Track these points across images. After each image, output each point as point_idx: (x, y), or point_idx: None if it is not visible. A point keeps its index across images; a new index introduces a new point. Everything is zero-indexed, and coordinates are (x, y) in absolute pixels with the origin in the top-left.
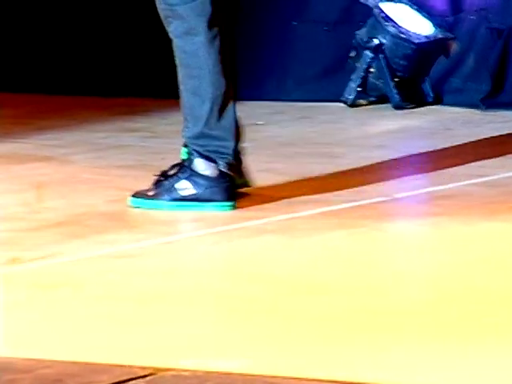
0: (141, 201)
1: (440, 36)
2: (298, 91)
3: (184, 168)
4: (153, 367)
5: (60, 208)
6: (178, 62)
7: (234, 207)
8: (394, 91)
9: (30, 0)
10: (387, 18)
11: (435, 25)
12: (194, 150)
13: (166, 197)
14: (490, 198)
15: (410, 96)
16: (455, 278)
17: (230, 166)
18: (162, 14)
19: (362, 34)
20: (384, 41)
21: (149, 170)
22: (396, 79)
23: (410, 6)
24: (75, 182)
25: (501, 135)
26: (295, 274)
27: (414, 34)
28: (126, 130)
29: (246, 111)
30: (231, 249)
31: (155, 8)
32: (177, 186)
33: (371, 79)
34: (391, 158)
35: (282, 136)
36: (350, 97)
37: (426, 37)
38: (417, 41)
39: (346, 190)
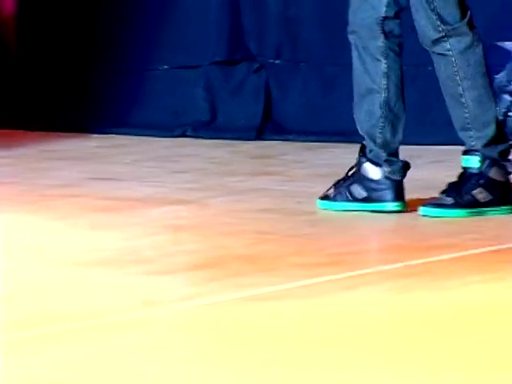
0: (436, 210)
1: None
2: (434, 135)
3: (477, 175)
4: None
5: (196, 251)
6: (460, 75)
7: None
8: None
9: None
10: None
11: None
12: (488, 157)
13: (464, 204)
14: None
15: None
16: None
17: None
18: (434, 37)
19: (501, 77)
20: None
21: (284, 213)
22: None
23: None
24: (212, 225)
25: None
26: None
27: None
28: (260, 174)
29: None
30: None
31: None
32: (474, 193)
33: (511, 123)
34: None
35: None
36: None
37: None
38: None
39: (485, 235)
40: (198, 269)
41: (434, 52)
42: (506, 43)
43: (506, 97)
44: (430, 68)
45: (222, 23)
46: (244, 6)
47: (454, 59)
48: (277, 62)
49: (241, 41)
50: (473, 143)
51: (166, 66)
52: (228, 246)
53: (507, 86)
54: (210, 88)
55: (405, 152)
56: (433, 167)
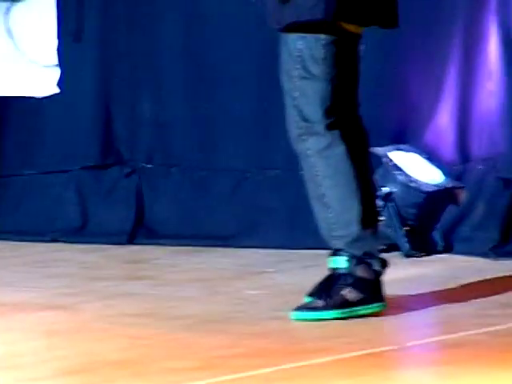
0: (308, 314)
1: (449, 185)
2: (307, 239)
3: (344, 275)
4: None
5: (69, 357)
6: (320, 175)
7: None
8: (404, 240)
9: None
10: (396, 167)
11: (444, 174)
12: (352, 255)
13: (336, 305)
14: (499, 347)
15: (420, 244)
16: None
17: (381, 265)
18: (295, 133)
19: None
20: (394, 189)
21: (157, 318)
22: (406, 228)
23: (419, 154)
24: (85, 330)
25: (510, 284)
26: None
27: (424, 182)
28: (133, 278)
29: (255, 258)
30: None
31: None
32: (343, 293)
33: (381, 227)
34: (401, 306)
35: (291, 284)
36: None
37: (435, 185)
38: (426, 189)
39: (357, 338)
40: (71, 375)
41: (297, 151)
42: (377, 149)
43: (377, 201)
44: (300, 173)
45: (93, 127)
46: (115, 111)
47: (313, 159)
48: (148, 166)
49: (112, 145)
50: (338, 243)
51: (34, 171)
52: (101, 352)
53: (378, 191)
54: (81, 192)
55: (275, 257)
56: (305, 272)
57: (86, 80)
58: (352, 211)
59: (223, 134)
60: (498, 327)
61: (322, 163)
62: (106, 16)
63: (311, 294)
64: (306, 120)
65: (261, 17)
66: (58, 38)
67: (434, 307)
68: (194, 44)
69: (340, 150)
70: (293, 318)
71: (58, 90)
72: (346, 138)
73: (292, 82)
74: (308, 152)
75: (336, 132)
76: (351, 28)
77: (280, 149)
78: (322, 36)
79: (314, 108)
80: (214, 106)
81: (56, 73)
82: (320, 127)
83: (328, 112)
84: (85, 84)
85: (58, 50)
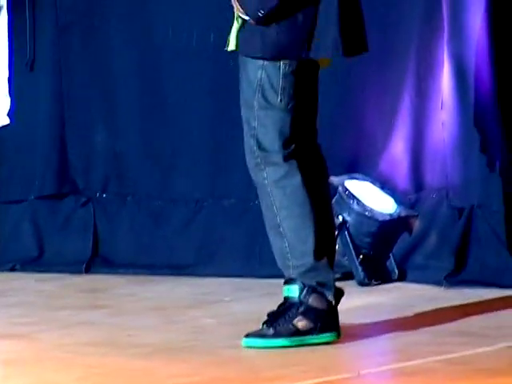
0: (258, 341)
1: (403, 214)
2: (263, 268)
3: (296, 304)
4: None
5: None
6: (276, 205)
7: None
8: (359, 268)
9: None
10: (351, 196)
11: (398, 202)
12: (306, 285)
13: (286, 333)
14: (453, 375)
15: (375, 273)
16: None
17: (334, 295)
18: (252, 162)
19: None
20: (348, 218)
21: (115, 346)
22: (360, 256)
23: (373, 183)
24: (41, 359)
25: (463, 312)
26: None
27: (378, 211)
28: (89, 307)
29: (212, 287)
30: None
31: None
32: (294, 322)
33: (336, 256)
34: (356, 334)
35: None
36: None
37: (389, 214)
38: (381, 218)
39: (313, 366)
40: None
41: (254, 180)
42: (333, 177)
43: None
44: (256, 202)
45: (48, 157)
46: (70, 141)
47: (269, 189)
48: (104, 195)
49: (67, 175)
50: (292, 272)
51: None
52: (58, 381)
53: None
54: (36, 222)
55: (232, 286)
56: (261, 300)
57: (40, 110)
58: (306, 242)
59: (178, 163)
60: (452, 355)
61: (278, 193)
62: (60, 45)
63: (264, 322)
64: (263, 149)
65: (215, 49)
66: (10, 67)
67: (389, 335)
68: (148, 74)
69: (296, 180)
70: (243, 344)
71: (8, 121)
72: (302, 168)
73: (251, 111)
74: (265, 181)
75: (293, 162)
76: (321, 62)
77: (235, 179)
78: (282, 66)
79: (272, 138)
80: (169, 136)
81: (7, 103)
82: (278, 157)
83: (286, 143)
84: (39, 114)
85: (10, 79)
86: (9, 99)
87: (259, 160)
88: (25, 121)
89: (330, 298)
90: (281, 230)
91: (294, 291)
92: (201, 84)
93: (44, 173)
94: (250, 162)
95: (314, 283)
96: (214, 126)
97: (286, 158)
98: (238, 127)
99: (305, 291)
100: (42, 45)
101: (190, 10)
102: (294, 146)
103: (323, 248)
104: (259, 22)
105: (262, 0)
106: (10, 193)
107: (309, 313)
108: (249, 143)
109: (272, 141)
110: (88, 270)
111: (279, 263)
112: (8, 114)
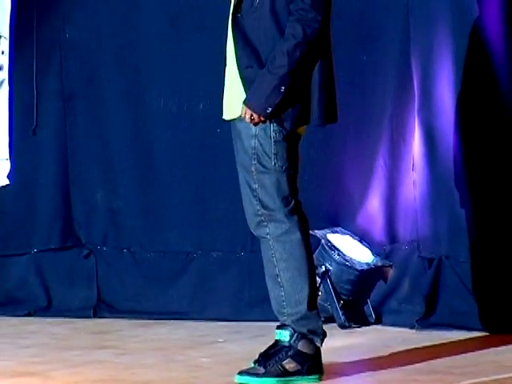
0: (249, 379)
1: (379, 263)
2: (252, 313)
3: (286, 348)
4: None
5: None
6: (276, 257)
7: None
8: (340, 312)
9: None
10: (333, 247)
11: (374, 253)
12: (297, 331)
13: (275, 373)
14: None
15: (354, 317)
16: None
17: (322, 341)
18: (256, 220)
19: None
20: (330, 267)
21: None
22: (341, 302)
23: (352, 236)
24: None
25: (433, 353)
26: None
27: (357, 261)
28: (97, 347)
29: (207, 330)
30: None
31: None
32: (284, 363)
33: (319, 301)
34: (337, 371)
35: (239, 352)
36: None
37: (367, 264)
38: (359, 267)
39: None
40: None
41: (256, 235)
42: (316, 231)
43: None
44: (242, 254)
45: (53, 214)
46: (74, 200)
47: (271, 243)
48: (104, 248)
49: (71, 230)
50: (285, 319)
51: None
52: None
53: (316, 268)
54: (42, 274)
55: (225, 328)
56: (253, 341)
57: (44, 172)
58: (301, 292)
59: (168, 219)
60: None
61: (278, 247)
62: (66, 113)
63: (256, 361)
64: (266, 208)
65: (204, 117)
66: (11, 133)
67: (367, 373)
68: (141, 141)
69: (296, 236)
70: (236, 380)
71: (7, 182)
72: (301, 225)
73: (250, 175)
74: (267, 236)
75: (295, 217)
76: (300, 130)
77: (221, 232)
78: (273, 134)
79: (272, 198)
80: (160, 195)
81: (7, 166)
82: (280, 214)
83: (285, 200)
84: (45, 175)
85: (10, 143)
86: (9, 163)
87: (263, 218)
88: (31, 181)
89: (318, 343)
90: (279, 279)
91: (285, 336)
92: (190, 148)
93: (50, 228)
94: (253, 220)
95: (304, 330)
96: (199, 184)
97: (287, 215)
98: (222, 187)
99: (295, 336)
100: (44, 110)
101: (180, 82)
102: (293, 202)
103: (315, 299)
104: (266, 116)
105: (267, 99)
106: (10, 247)
107: (297, 356)
108: (251, 203)
109: (273, 200)
110: (95, 315)
111: (274, 308)
112: (8, 176)
